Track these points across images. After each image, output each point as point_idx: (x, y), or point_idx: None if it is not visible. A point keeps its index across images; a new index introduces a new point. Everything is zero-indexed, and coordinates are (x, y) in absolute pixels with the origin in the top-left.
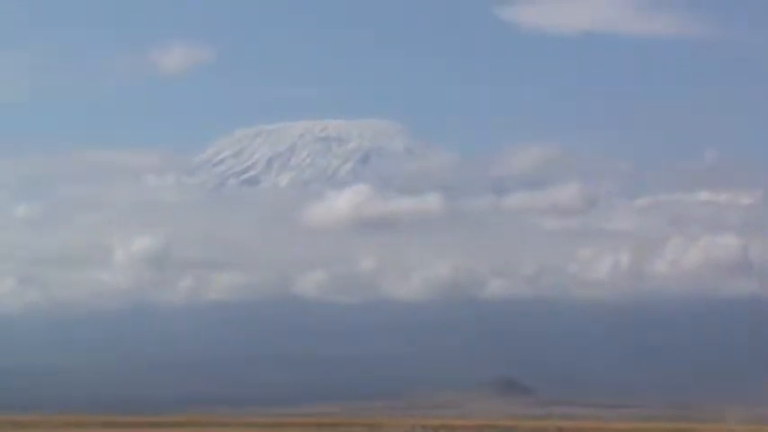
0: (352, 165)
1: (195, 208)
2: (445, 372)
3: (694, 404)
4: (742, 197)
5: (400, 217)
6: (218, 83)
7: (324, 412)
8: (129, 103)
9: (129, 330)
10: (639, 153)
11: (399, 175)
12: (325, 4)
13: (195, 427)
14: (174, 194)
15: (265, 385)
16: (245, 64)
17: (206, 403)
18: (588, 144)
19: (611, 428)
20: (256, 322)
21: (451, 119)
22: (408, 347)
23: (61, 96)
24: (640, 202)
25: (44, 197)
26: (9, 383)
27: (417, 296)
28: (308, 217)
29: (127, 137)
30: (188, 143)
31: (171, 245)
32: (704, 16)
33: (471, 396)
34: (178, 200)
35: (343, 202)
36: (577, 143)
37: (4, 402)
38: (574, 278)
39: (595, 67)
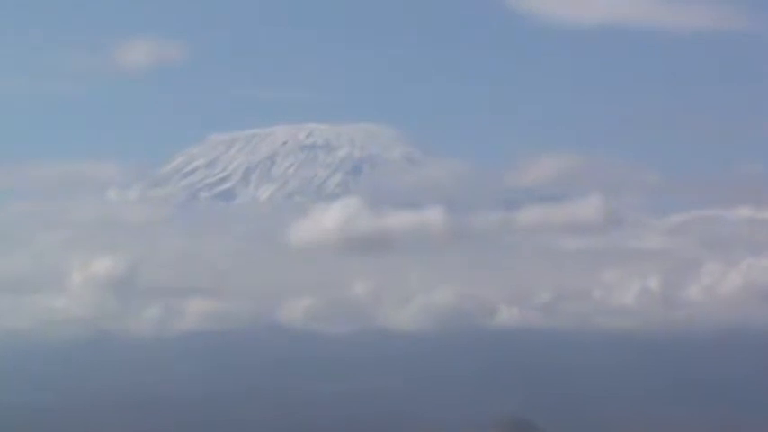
0: (341, 176)
1: (163, 225)
2: (449, 411)
3: None
4: None
5: (397, 235)
6: (189, 83)
7: None
8: (86, 107)
9: (88, 365)
10: (670, 163)
11: (396, 187)
12: None
13: None
14: (139, 210)
15: (244, 426)
16: (219, 62)
17: None
18: (612, 153)
19: None
20: (233, 355)
21: (456, 123)
22: (407, 383)
23: (8, 101)
24: (672, 219)
25: None
26: None
27: (417, 326)
28: (291, 235)
29: (84, 146)
30: (154, 152)
31: (135, 268)
32: (742, 7)
33: None
34: (143, 216)
35: (331, 219)
36: (600, 151)
37: None
38: (596, 305)
39: (618, 65)
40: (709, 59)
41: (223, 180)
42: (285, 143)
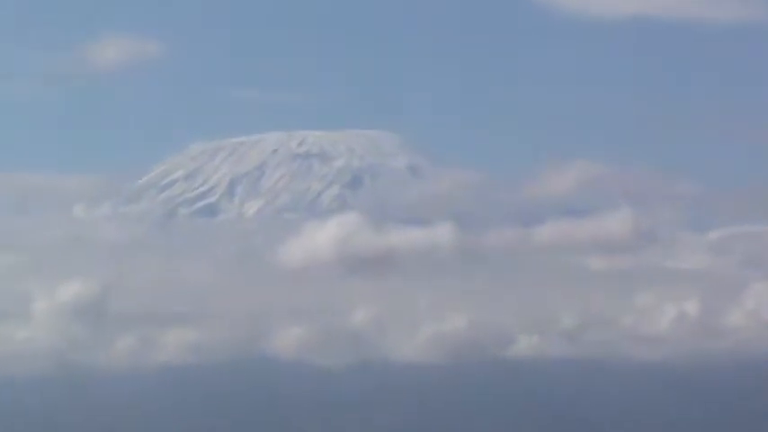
0: (338, 188)
1: (137, 246)
2: None
3: None
4: None
5: (402, 255)
6: (166, 86)
7: None
8: (50, 112)
9: (54, 402)
10: (710, 172)
11: (400, 201)
12: None
13: None
14: (110, 229)
15: None
16: (200, 62)
17: None
18: (644, 160)
19: None
20: (217, 391)
21: (467, 128)
22: (413, 422)
23: None
24: (712, 236)
25: None
26: None
27: (425, 357)
28: (282, 256)
29: (50, 156)
30: (128, 163)
31: (107, 293)
32: None
33: None
34: (115, 236)
35: (327, 237)
36: (630, 159)
37: None
38: (626, 333)
39: (650, 62)
40: (750, 55)
41: (205, 194)
42: (275, 152)
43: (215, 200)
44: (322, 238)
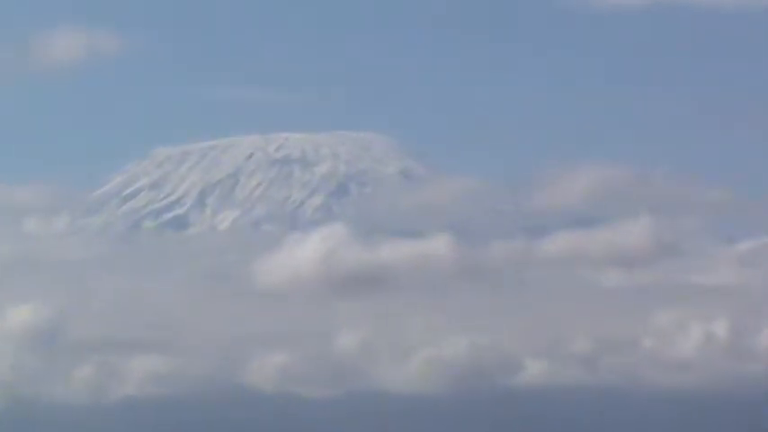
0: (323, 197)
1: (97, 263)
2: None
3: None
4: None
5: (394, 272)
6: (127, 83)
7: None
8: None
9: None
10: (740, 176)
11: (391, 211)
12: None
13: None
14: (67, 245)
15: None
16: (166, 56)
17: None
18: (665, 163)
19: None
20: (188, 427)
21: (466, 130)
22: None
23: None
24: (742, 247)
25: None
26: None
27: (420, 387)
28: (259, 273)
29: None
30: (86, 171)
31: (63, 317)
32: None
33: None
34: (72, 252)
35: (310, 252)
36: (648, 162)
37: None
38: (647, 357)
39: (668, 53)
40: None
41: (173, 205)
42: (250, 157)
43: (183, 211)
44: (304, 253)
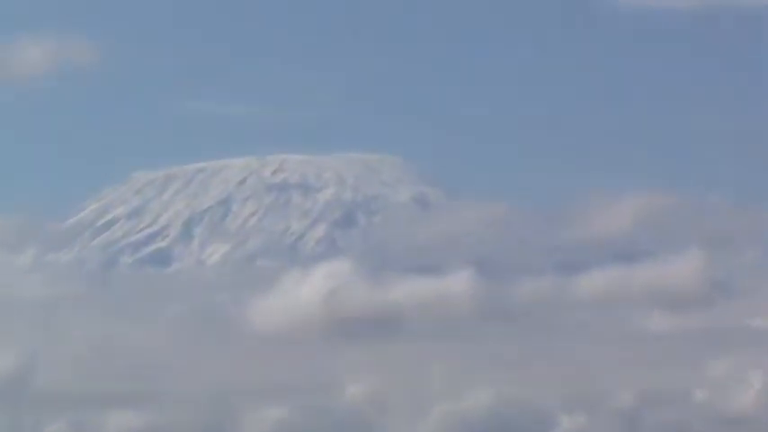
0: (326, 228)
1: (68, 304)
2: None
3: None
4: None
5: (407, 313)
6: (103, 98)
7: None
8: None
9: None
10: None
11: (405, 243)
12: None
13: None
14: (33, 283)
15: None
16: (147, 66)
17: None
18: (720, 190)
19: None
20: None
21: (489, 151)
22: None
23: None
24: None
25: None
26: None
27: None
28: (254, 316)
29: None
30: (54, 198)
31: (28, 367)
32: None
33: None
34: (39, 291)
35: (312, 291)
36: (699, 187)
37: None
38: (699, 411)
39: (729, 63)
40: None
41: (154, 237)
42: (243, 182)
43: (166, 244)
44: (305, 292)
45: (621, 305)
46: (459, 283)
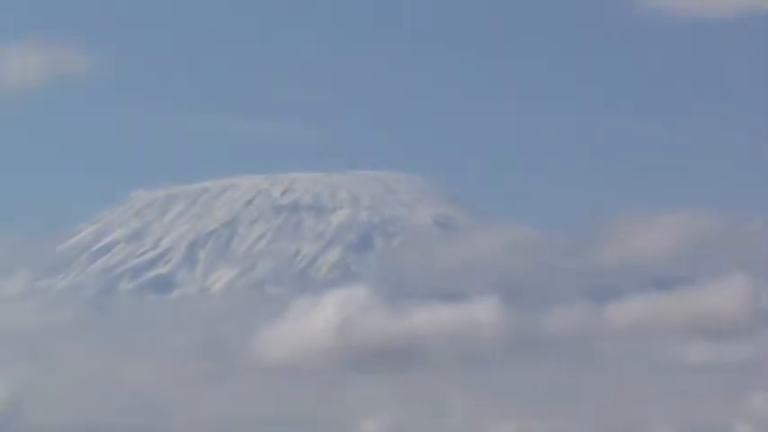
0: (340, 252)
1: (63, 334)
2: None
3: None
4: None
5: (428, 343)
6: (100, 111)
7: None
8: None
9: None
10: None
11: (425, 268)
12: None
13: None
14: (26, 310)
15: None
16: (147, 78)
17: None
18: (763, 209)
19: None
20: None
21: (518, 168)
22: None
23: None
24: None
25: None
26: None
27: None
28: (262, 346)
29: None
30: (48, 220)
31: (19, 402)
32: None
33: None
34: (32, 320)
35: (325, 319)
36: (746, 209)
37: None
38: None
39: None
40: None
41: (155, 262)
42: (250, 203)
43: (168, 270)
44: (317, 321)
45: (658, 335)
46: (483, 312)
